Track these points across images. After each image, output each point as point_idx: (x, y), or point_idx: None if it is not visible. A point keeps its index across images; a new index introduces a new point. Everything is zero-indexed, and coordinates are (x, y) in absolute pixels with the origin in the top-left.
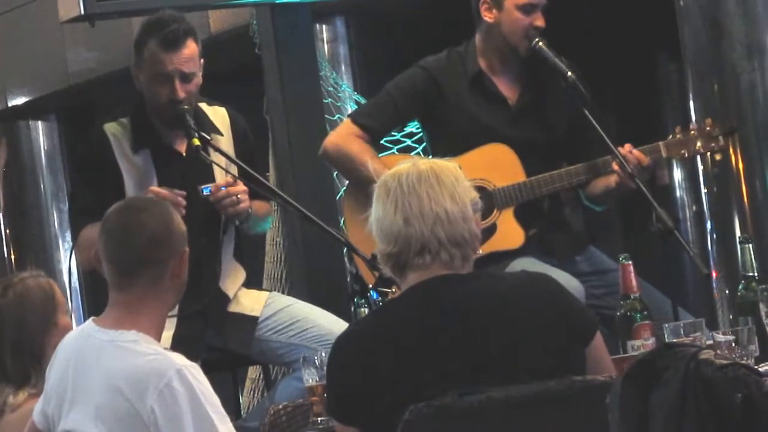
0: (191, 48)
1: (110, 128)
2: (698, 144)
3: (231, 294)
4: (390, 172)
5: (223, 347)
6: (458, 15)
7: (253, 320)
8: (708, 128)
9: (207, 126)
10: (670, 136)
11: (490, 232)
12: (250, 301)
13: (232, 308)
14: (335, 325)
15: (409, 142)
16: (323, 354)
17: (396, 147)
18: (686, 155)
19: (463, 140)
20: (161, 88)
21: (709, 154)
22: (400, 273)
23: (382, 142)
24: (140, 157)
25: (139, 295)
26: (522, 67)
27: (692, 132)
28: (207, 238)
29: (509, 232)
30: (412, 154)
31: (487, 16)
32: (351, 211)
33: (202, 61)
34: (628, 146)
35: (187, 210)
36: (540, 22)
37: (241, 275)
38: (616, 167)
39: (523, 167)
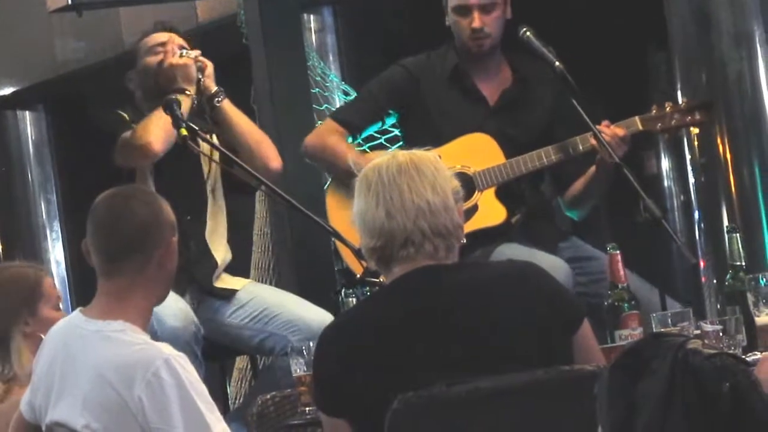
0: (179, 40)
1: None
2: (674, 118)
3: (218, 258)
4: (370, 165)
5: (207, 336)
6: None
7: (232, 292)
8: (683, 105)
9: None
10: (647, 113)
11: (471, 211)
12: (232, 281)
13: (217, 284)
14: (306, 311)
15: (396, 132)
16: (311, 344)
17: (383, 137)
18: (662, 127)
19: (441, 137)
20: (155, 58)
21: (696, 142)
22: (385, 266)
23: (371, 133)
24: None
25: (125, 283)
26: (504, 64)
27: (668, 108)
28: (194, 214)
29: (491, 210)
30: (398, 144)
31: (447, 21)
32: (334, 205)
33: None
34: (605, 122)
35: (173, 186)
36: (476, 23)
37: (227, 251)
38: (593, 141)
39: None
